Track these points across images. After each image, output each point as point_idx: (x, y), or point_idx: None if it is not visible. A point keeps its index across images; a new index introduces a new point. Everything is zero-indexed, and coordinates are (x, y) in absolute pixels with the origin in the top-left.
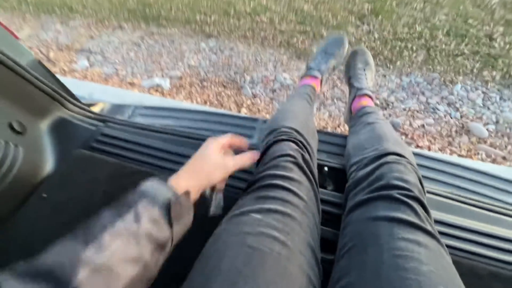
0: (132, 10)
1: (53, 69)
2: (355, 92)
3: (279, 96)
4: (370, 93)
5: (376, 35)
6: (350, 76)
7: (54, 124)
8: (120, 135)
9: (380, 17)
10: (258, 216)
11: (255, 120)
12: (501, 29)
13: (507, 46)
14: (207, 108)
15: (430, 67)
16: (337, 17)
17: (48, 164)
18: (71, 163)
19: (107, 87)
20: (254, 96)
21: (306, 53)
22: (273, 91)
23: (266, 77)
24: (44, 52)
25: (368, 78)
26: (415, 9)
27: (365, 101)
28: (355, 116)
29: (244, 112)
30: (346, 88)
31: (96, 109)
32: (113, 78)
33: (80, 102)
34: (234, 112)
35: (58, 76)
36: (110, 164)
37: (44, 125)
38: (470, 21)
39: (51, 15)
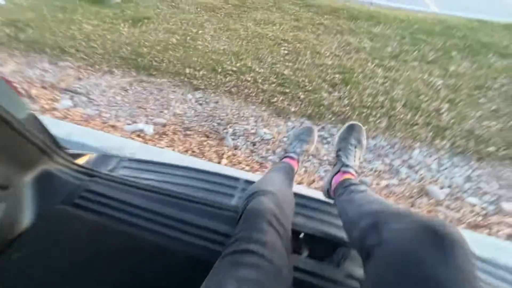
0: (124, 57)
1: (32, 107)
2: (340, 166)
3: (259, 149)
4: (354, 172)
5: (346, 101)
6: (340, 148)
7: (39, 177)
8: (104, 191)
9: (349, 86)
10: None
11: (237, 179)
12: (446, 105)
13: (452, 120)
14: (189, 163)
15: (392, 132)
16: (312, 83)
17: (28, 220)
18: (52, 219)
19: (87, 129)
20: (235, 147)
21: (285, 112)
22: (253, 144)
23: (247, 130)
24: (25, 88)
25: (357, 156)
26: (377, 83)
27: (350, 176)
28: (339, 187)
29: (224, 163)
30: (320, 146)
31: (82, 160)
32: (95, 120)
33: (67, 154)
34: (216, 166)
35: (37, 113)
36: (91, 222)
37: (29, 178)
38: (421, 96)
39: (40, 54)
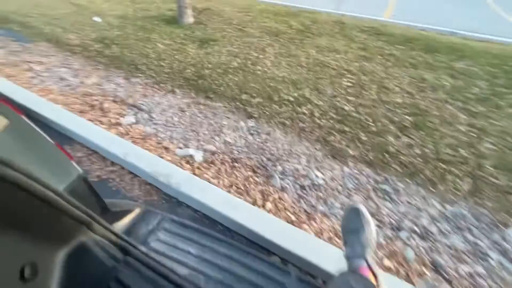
0: (187, 78)
1: (103, 119)
2: (346, 261)
3: (308, 196)
4: (364, 263)
5: (417, 151)
6: (344, 239)
7: (72, 253)
8: (131, 282)
9: (422, 132)
10: None
11: (287, 274)
12: None
13: None
14: (232, 206)
15: (478, 200)
16: (377, 123)
17: None
18: None
19: (143, 152)
20: (282, 189)
21: (342, 154)
22: (303, 188)
23: (297, 170)
24: (100, 101)
25: (365, 243)
26: (459, 131)
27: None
28: None
29: (268, 208)
30: (381, 203)
31: (128, 218)
32: (151, 139)
33: (110, 217)
34: (263, 254)
35: (104, 127)
36: None
37: (59, 257)
38: None
39: (118, 70)
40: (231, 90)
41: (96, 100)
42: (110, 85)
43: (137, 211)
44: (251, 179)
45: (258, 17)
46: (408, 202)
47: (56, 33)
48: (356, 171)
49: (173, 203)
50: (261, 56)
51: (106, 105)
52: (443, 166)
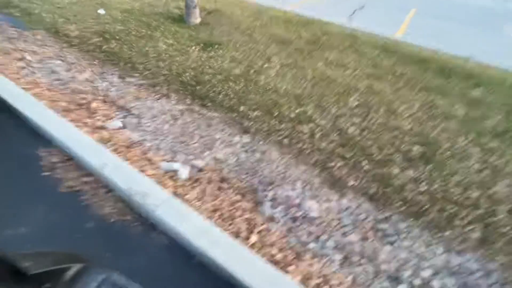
0: (185, 82)
1: (88, 120)
2: None
3: (299, 230)
4: None
5: (424, 186)
6: None
7: None
8: None
9: (430, 165)
10: None
11: None
12: None
13: None
14: (210, 240)
15: (489, 252)
16: (382, 151)
17: None
18: None
19: (122, 164)
20: (271, 219)
21: (341, 183)
22: (294, 219)
23: (290, 198)
24: (88, 99)
25: None
26: (472, 168)
27: None
28: None
29: (253, 241)
30: (379, 246)
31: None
32: (136, 148)
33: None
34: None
35: (86, 130)
36: None
37: None
38: None
39: (114, 67)
40: (229, 99)
41: (85, 98)
42: (103, 83)
43: (79, 266)
44: (238, 205)
45: (268, 23)
46: (410, 248)
47: (57, 22)
48: (355, 204)
49: (146, 227)
50: (266, 65)
51: (94, 104)
52: (452, 207)
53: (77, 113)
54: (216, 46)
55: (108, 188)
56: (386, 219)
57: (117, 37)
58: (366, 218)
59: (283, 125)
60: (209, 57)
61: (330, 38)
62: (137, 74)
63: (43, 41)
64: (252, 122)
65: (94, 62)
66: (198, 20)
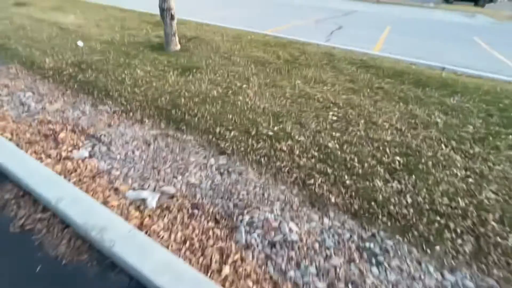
0: (160, 107)
1: (52, 152)
2: None
3: (278, 256)
4: None
5: (409, 199)
6: None
7: None
8: None
9: (413, 176)
10: None
11: None
12: None
13: None
14: (172, 277)
15: (483, 265)
16: (363, 164)
17: None
18: None
19: (81, 196)
20: (247, 246)
21: (322, 201)
22: (272, 245)
23: (268, 221)
24: (56, 130)
25: None
26: (456, 176)
27: None
28: None
29: (225, 274)
30: (365, 267)
31: None
32: (102, 177)
33: None
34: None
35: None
36: None
37: None
38: None
39: (87, 96)
40: (205, 121)
41: (52, 129)
42: (74, 113)
43: None
44: (210, 232)
45: (247, 46)
46: (399, 268)
47: (33, 56)
48: (337, 223)
49: (104, 266)
50: (244, 85)
51: (62, 135)
52: (440, 219)
53: (42, 145)
54: (195, 70)
55: (65, 224)
56: (372, 237)
57: (93, 67)
58: (350, 238)
59: (260, 144)
60: (187, 81)
61: (308, 57)
62: (110, 102)
63: (16, 75)
64: (228, 143)
65: (67, 92)
66: (178, 47)
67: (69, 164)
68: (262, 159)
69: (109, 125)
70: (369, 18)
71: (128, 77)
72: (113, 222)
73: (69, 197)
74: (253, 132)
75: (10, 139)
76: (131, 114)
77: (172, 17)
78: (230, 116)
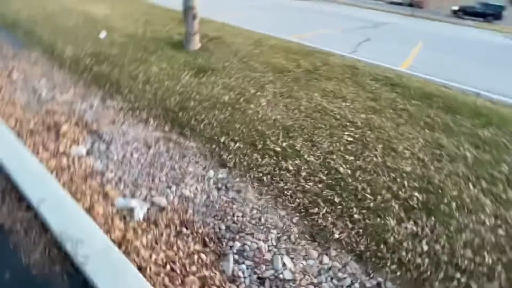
0: (167, 108)
1: (51, 145)
2: None
3: None
4: None
5: (425, 246)
6: None
7: None
8: None
9: (433, 218)
10: None
11: None
12: None
13: None
14: None
15: None
16: (376, 196)
17: None
18: None
19: (65, 200)
20: (233, 279)
21: (325, 235)
22: (262, 281)
23: (260, 251)
24: (59, 123)
25: None
26: (484, 224)
27: None
28: None
29: None
30: None
31: None
32: (95, 179)
33: None
34: None
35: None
36: None
37: None
38: None
39: (98, 89)
40: (211, 128)
41: (57, 120)
42: (82, 105)
43: None
44: (196, 257)
45: (267, 52)
46: None
47: (55, 43)
48: (339, 264)
49: (75, 283)
50: (258, 93)
51: (65, 128)
52: (460, 277)
53: (42, 136)
54: (210, 72)
55: (45, 228)
56: (378, 287)
57: (110, 60)
58: (351, 285)
59: (265, 160)
60: (199, 83)
61: (330, 68)
62: (119, 97)
63: (36, 61)
64: (231, 155)
65: (80, 83)
66: (197, 46)
67: (64, 161)
68: (265, 178)
69: (113, 122)
70: (400, 31)
71: (142, 73)
72: (92, 234)
73: (53, 199)
74: (260, 146)
75: (13, 128)
76: (137, 112)
77: (194, 17)
78: (238, 126)
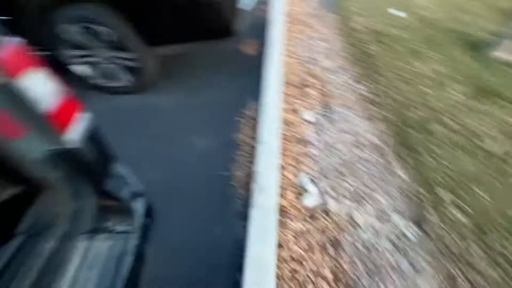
0: (404, 119)
1: (295, 100)
2: None
3: None
4: None
5: None
6: None
7: None
8: None
9: None
10: None
11: None
12: None
13: None
14: None
15: None
16: None
17: None
18: None
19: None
20: None
21: None
22: None
23: None
24: (312, 85)
25: None
26: None
27: None
28: None
29: None
30: None
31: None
32: (298, 147)
33: None
34: None
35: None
36: None
37: None
38: None
39: (355, 67)
40: (441, 168)
41: (311, 82)
42: (334, 77)
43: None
44: None
45: None
46: None
47: (349, 13)
48: None
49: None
50: None
51: (309, 90)
52: None
53: (292, 90)
54: (500, 98)
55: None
56: None
57: (385, 44)
58: None
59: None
60: (473, 110)
61: None
62: (363, 87)
63: (327, 23)
64: (432, 209)
65: (344, 55)
66: (509, 56)
67: (290, 117)
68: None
69: (347, 107)
70: None
71: (407, 70)
72: (270, 191)
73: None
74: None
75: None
76: (371, 107)
77: None
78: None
